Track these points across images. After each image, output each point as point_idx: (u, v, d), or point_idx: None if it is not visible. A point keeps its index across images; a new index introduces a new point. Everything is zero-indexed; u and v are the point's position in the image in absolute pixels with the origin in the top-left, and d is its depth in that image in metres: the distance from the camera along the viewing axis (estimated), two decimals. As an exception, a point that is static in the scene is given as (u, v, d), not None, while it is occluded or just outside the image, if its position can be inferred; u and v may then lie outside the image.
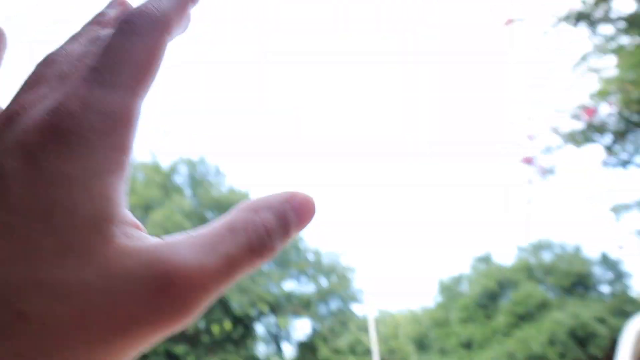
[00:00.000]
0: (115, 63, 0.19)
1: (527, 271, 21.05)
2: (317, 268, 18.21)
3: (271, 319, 16.98)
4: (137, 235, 0.18)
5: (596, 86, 6.24)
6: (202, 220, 12.39)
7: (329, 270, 18.34)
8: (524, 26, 5.93)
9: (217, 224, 0.19)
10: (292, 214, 0.19)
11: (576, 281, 20.11)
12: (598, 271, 20.52)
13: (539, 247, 22.35)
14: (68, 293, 0.16)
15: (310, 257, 18.35)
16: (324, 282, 18.14)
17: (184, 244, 0.18)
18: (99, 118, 0.18)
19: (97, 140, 0.18)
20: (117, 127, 0.18)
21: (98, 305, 0.16)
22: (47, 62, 0.21)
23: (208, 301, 0.18)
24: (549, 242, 22.34)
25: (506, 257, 27.02)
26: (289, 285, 17.85)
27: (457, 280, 23.49)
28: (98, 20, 0.23)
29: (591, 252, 21.36)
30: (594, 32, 5.77)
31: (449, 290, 23.25)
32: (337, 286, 18.04)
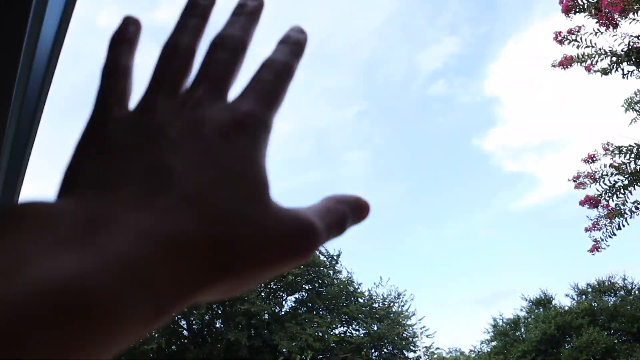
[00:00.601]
0: (268, 90, 0.28)
1: (590, 315, 20.00)
2: (368, 313, 17.87)
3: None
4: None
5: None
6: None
7: (381, 315, 17.96)
8: (581, 65, 5.79)
9: (319, 205, 0.27)
10: (358, 210, 0.29)
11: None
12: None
13: (600, 289, 21.29)
14: (262, 226, 0.23)
15: (362, 301, 18.06)
16: (375, 327, 17.75)
17: (308, 211, 0.26)
18: (261, 123, 0.26)
19: (260, 135, 0.26)
20: (267, 130, 0.27)
21: (274, 237, 0.23)
22: (173, 54, 0.29)
23: (316, 250, 0.26)
24: (612, 284, 21.26)
25: (565, 300, 25.79)
26: (341, 331, 17.55)
27: (514, 323, 22.54)
28: (198, 14, 0.31)
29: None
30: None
31: (504, 334, 22.31)
32: (388, 331, 17.61)
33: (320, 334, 16.25)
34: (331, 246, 18.31)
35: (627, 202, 6.12)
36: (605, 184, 6.17)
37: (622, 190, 6.10)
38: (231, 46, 0.29)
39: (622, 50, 5.54)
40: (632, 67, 5.59)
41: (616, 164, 6.11)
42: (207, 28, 0.31)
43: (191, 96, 0.27)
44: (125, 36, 0.30)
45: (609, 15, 5.18)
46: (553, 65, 5.87)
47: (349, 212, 0.28)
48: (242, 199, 0.23)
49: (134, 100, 0.28)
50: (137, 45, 0.31)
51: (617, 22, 5.27)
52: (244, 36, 0.30)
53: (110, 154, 0.24)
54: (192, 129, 0.25)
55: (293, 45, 0.31)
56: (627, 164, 6.03)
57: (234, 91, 0.28)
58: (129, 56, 0.30)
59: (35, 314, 0.16)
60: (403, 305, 18.80)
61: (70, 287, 0.17)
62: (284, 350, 15.46)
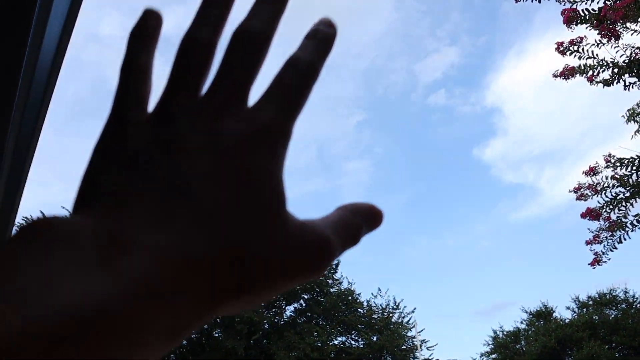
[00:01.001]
0: (290, 95, 0.27)
1: (591, 328, 19.88)
2: (367, 324, 17.78)
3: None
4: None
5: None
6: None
7: (380, 326, 17.86)
8: (583, 76, 5.79)
9: (333, 217, 0.27)
10: (371, 219, 0.28)
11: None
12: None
13: (601, 302, 21.18)
14: (278, 243, 0.23)
15: (361, 312, 17.97)
16: (375, 337, 17.64)
17: (322, 225, 0.26)
18: (280, 134, 0.25)
19: (279, 145, 0.25)
20: (287, 140, 0.26)
21: (290, 253, 0.23)
22: (193, 50, 0.27)
23: (331, 263, 0.26)
24: (613, 297, 21.16)
25: (566, 313, 25.67)
26: (340, 342, 17.45)
27: (514, 336, 22.41)
28: (219, 4, 0.29)
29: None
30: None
31: (504, 347, 22.18)
32: (388, 342, 17.51)
33: (320, 344, 16.16)
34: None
35: (628, 215, 6.11)
36: (607, 196, 6.15)
37: (623, 203, 6.08)
38: (254, 41, 0.27)
39: (623, 62, 5.55)
40: (634, 79, 5.60)
41: (618, 176, 6.10)
42: (228, 20, 0.29)
43: (211, 102, 0.26)
44: (145, 31, 0.29)
45: (611, 26, 5.19)
46: (555, 76, 5.88)
47: (363, 222, 0.28)
48: (259, 215, 0.23)
49: (153, 99, 0.27)
50: (157, 42, 0.30)
51: (619, 33, 5.29)
52: (268, 29, 0.28)
53: (129, 164, 0.24)
54: (212, 142, 0.24)
55: (320, 42, 0.29)
56: (629, 176, 6.02)
57: (256, 83, 0.27)
58: (148, 53, 0.29)
59: (61, 338, 0.16)
60: (403, 317, 18.71)
61: (94, 312, 0.17)
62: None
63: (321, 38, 0.29)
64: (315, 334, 16.41)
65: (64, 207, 15.58)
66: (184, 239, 0.21)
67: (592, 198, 6.31)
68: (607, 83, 5.70)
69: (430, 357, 18.91)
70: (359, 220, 0.28)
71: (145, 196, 0.22)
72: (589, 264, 6.40)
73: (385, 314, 18.44)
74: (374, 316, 18.04)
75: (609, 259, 6.26)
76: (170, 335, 0.20)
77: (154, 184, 0.23)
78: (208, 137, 0.24)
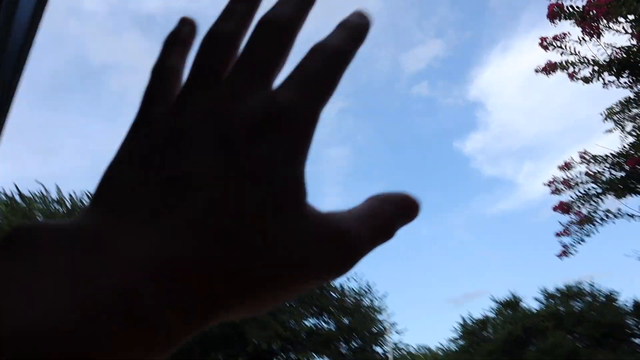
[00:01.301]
0: (313, 78, 0.24)
1: (556, 319, 20.38)
2: (339, 307, 17.95)
3: (291, 356, 16.71)
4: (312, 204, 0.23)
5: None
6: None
7: (352, 309, 18.05)
8: (564, 71, 5.85)
9: (361, 208, 0.24)
10: (406, 210, 0.25)
11: (608, 332, 19.36)
12: (632, 322, 19.70)
13: (568, 294, 21.69)
14: (286, 245, 0.21)
15: (333, 295, 18.12)
16: (346, 320, 17.84)
17: (348, 217, 0.23)
18: (299, 117, 0.23)
19: (296, 132, 0.23)
20: (309, 128, 0.24)
21: (301, 255, 0.21)
22: (215, 42, 0.26)
23: (359, 261, 0.23)
24: (579, 289, 21.68)
25: (533, 303, 26.26)
26: (311, 323, 17.61)
27: (482, 323, 22.87)
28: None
29: (625, 301, 20.53)
30: (637, 80, 5.65)
31: (472, 334, 22.63)
32: (358, 325, 17.72)
33: (292, 325, 16.28)
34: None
35: (598, 210, 6.24)
36: (580, 192, 6.27)
37: (594, 198, 6.21)
38: (278, 26, 0.26)
39: (604, 61, 5.61)
40: (613, 78, 5.68)
41: (591, 173, 6.21)
42: (256, 14, 0.28)
43: (229, 86, 0.24)
44: (179, 37, 0.30)
45: (593, 24, 5.24)
46: (536, 71, 5.93)
47: (396, 213, 0.25)
48: (268, 212, 0.21)
49: None
50: (190, 47, 0.30)
51: (601, 32, 5.34)
52: (295, 15, 0.26)
53: (137, 162, 0.23)
54: (222, 129, 0.23)
55: (350, 30, 0.27)
56: (602, 173, 6.14)
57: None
58: (179, 57, 0.29)
59: None
60: (374, 301, 18.93)
61: (50, 335, 0.16)
62: (254, 340, 15.47)
63: (352, 27, 0.27)
64: (287, 313, 16.52)
65: (38, 182, 15.35)
66: (167, 241, 0.20)
67: (566, 192, 6.43)
68: (587, 80, 5.76)
69: (399, 342, 19.22)
70: (391, 211, 0.25)
71: (142, 196, 0.21)
72: (556, 255, 6.54)
73: (357, 297, 18.63)
74: (345, 299, 18.21)
75: (577, 251, 6.41)
76: (150, 352, 0.18)
77: (154, 182, 0.22)
78: (220, 123, 0.23)
